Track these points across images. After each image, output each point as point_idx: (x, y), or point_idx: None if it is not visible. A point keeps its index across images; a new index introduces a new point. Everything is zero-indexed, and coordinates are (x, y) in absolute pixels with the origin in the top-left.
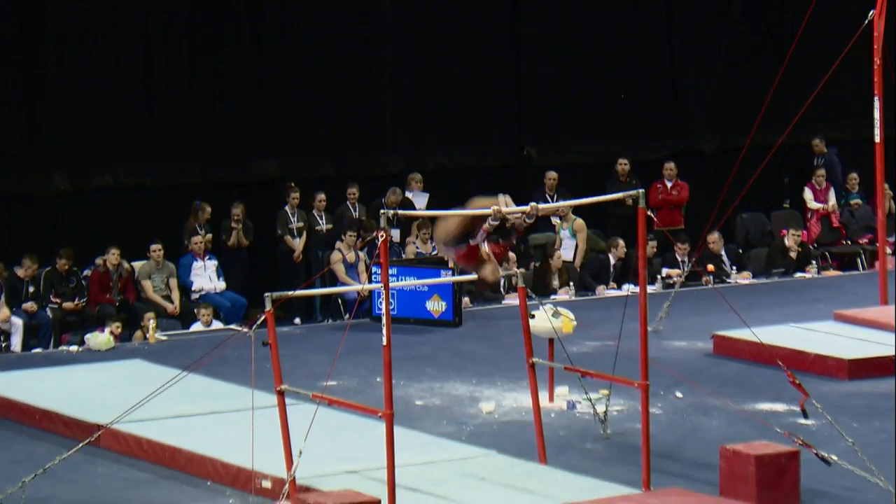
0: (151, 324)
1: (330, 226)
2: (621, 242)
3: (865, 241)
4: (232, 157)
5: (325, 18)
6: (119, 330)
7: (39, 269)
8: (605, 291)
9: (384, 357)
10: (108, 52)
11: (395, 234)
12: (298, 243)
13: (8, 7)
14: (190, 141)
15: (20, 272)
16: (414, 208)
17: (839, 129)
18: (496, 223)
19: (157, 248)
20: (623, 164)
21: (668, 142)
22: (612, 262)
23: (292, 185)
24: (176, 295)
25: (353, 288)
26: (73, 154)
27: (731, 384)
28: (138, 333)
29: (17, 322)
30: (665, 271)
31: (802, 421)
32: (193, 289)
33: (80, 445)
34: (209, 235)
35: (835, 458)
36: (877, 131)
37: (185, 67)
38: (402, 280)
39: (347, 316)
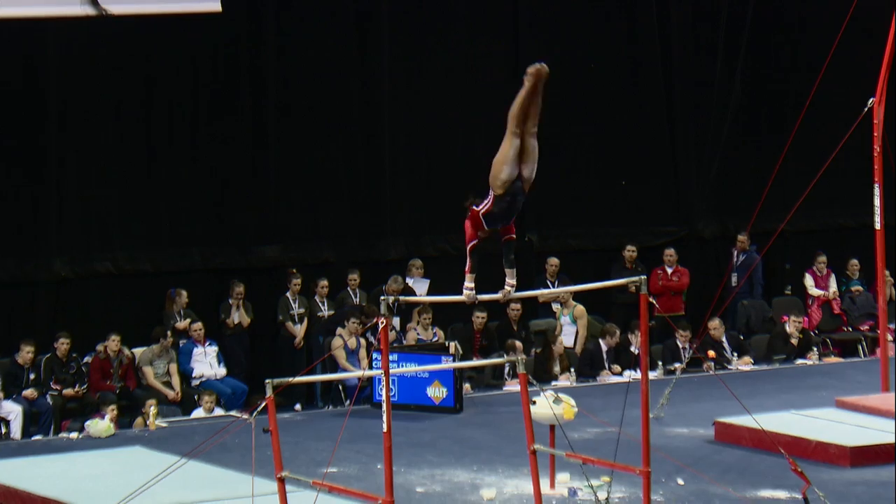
0: (152, 410)
1: (331, 312)
2: (617, 330)
3: (866, 327)
4: (233, 243)
5: (326, 105)
6: (115, 413)
7: (39, 356)
8: (606, 378)
9: (384, 443)
10: (109, 139)
11: (396, 321)
12: (300, 329)
13: (9, 92)
14: (191, 227)
15: (19, 358)
16: (415, 295)
17: (839, 216)
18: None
19: (170, 335)
20: (630, 251)
21: (668, 228)
22: (605, 349)
23: (294, 270)
24: (177, 381)
25: (353, 374)
26: (74, 240)
27: (733, 471)
28: (139, 420)
29: (17, 409)
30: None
31: None
32: (194, 375)
33: None
34: (199, 323)
35: None
36: (877, 218)
37: (186, 153)
38: (402, 366)
39: (348, 402)
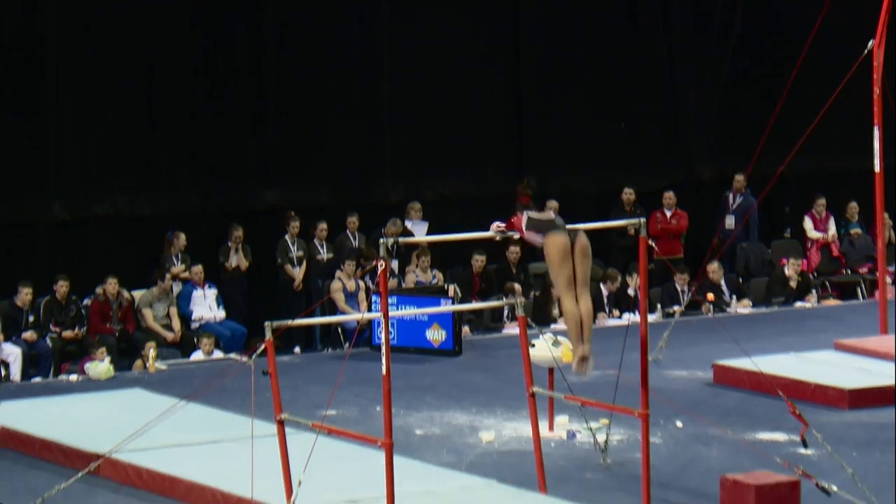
0: (152, 353)
1: (330, 255)
2: (618, 276)
3: (865, 270)
4: (232, 186)
5: (325, 47)
6: (103, 356)
7: (38, 298)
8: (605, 320)
9: (384, 386)
10: (108, 81)
11: (395, 263)
12: (298, 272)
13: (8, 35)
14: (190, 170)
15: (18, 301)
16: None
17: (839, 159)
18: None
19: (168, 278)
20: (629, 194)
21: (667, 171)
22: (606, 293)
23: (292, 213)
24: (176, 324)
25: (352, 317)
26: (73, 182)
27: (732, 414)
28: (138, 362)
29: (17, 351)
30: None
31: (803, 451)
32: (193, 318)
33: (79, 475)
34: (199, 266)
35: (835, 488)
36: (876, 161)
37: (185, 96)
38: (401, 309)
39: (347, 345)
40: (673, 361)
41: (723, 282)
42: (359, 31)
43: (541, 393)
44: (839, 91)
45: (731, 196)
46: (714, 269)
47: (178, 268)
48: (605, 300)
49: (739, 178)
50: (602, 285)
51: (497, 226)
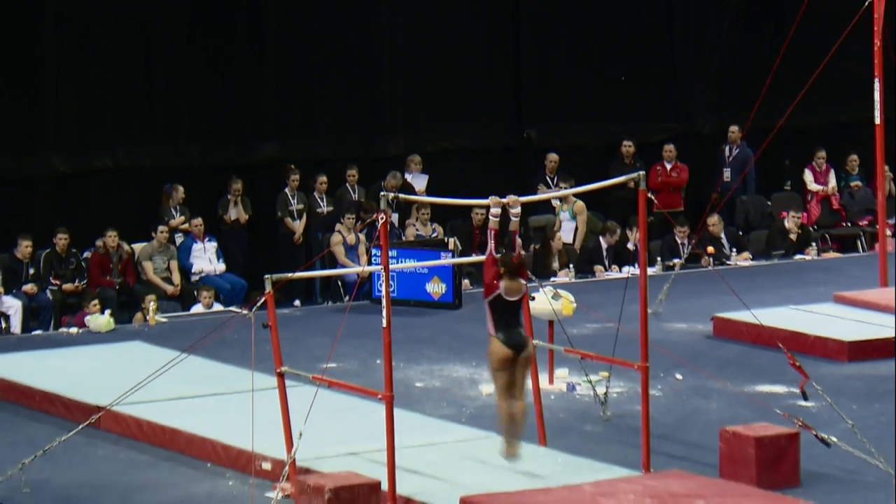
0: (152, 306)
1: (330, 208)
2: (617, 229)
3: (865, 223)
4: (231, 139)
5: (325, 1)
6: (96, 308)
7: (38, 251)
8: (604, 274)
9: (384, 339)
10: (107, 34)
11: (395, 217)
12: (298, 225)
13: None
14: (189, 123)
15: (18, 253)
16: (413, 191)
17: (839, 111)
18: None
19: (163, 230)
20: (628, 147)
21: (668, 123)
22: (605, 246)
23: (292, 167)
24: (176, 277)
25: (352, 270)
26: (72, 136)
27: (731, 366)
28: (138, 315)
29: (17, 304)
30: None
31: (802, 403)
32: (193, 271)
33: (80, 427)
34: (199, 219)
35: (834, 439)
36: (877, 113)
37: (184, 49)
38: (401, 262)
39: (347, 298)
40: (673, 314)
41: (723, 235)
42: None
43: (541, 346)
44: (839, 43)
45: (727, 148)
46: (714, 221)
47: (177, 220)
48: (605, 253)
49: (734, 130)
50: (601, 238)
51: (495, 199)
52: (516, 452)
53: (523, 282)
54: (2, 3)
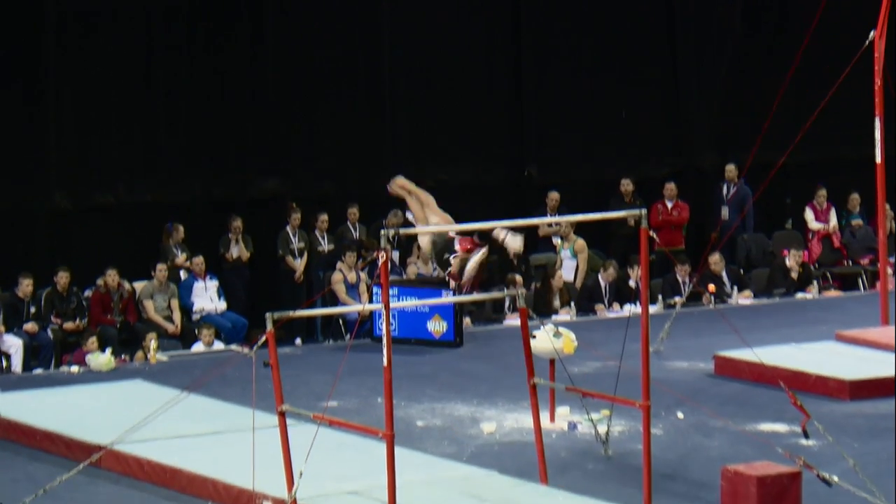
0: (153, 344)
1: (331, 246)
2: (612, 266)
3: (866, 261)
4: (233, 177)
5: (327, 37)
6: (95, 346)
7: (40, 290)
8: (605, 312)
9: (385, 377)
10: (108, 70)
11: (396, 255)
12: (299, 264)
13: (7, 24)
14: (191, 159)
15: (19, 292)
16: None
17: (840, 149)
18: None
19: (162, 268)
20: (626, 185)
21: (669, 160)
22: (604, 284)
23: (293, 205)
24: (177, 315)
25: (353, 308)
26: (74, 172)
27: (733, 404)
28: (139, 354)
29: (18, 342)
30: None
31: (804, 441)
32: (194, 309)
33: (81, 466)
34: (200, 257)
35: (836, 478)
36: (878, 151)
37: (186, 85)
38: (402, 300)
39: (348, 336)
40: (674, 352)
41: (724, 273)
42: (359, 21)
43: (542, 384)
44: (840, 81)
45: (725, 186)
46: (715, 260)
47: (180, 258)
48: (604, 291)
49: (731, 168)
50: (599, 276)
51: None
52: None
53: None
54: (4, 39)
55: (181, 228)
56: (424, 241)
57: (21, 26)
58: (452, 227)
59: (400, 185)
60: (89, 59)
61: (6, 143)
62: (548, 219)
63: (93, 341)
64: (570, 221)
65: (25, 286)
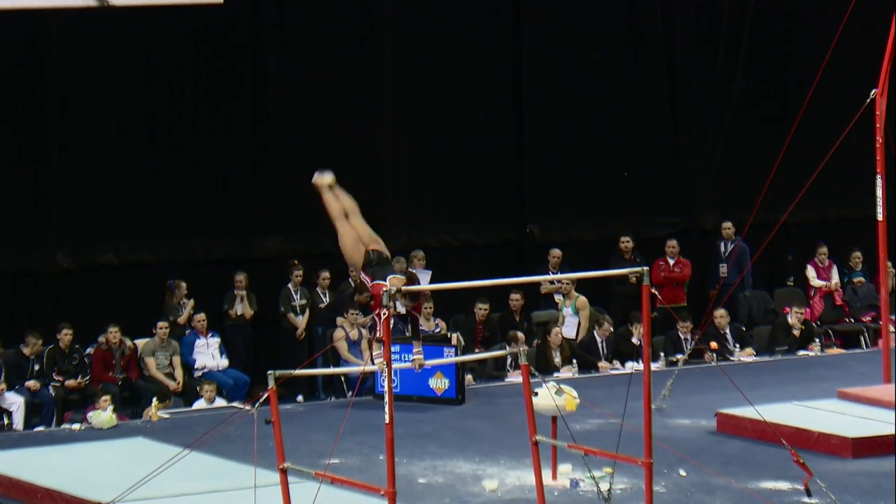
0: (154, 401)
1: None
2: (607, 321)
3: (868, 318)
4: (234, 234)
5: (328, 96)
6: (106, 404)
7: (42, 347)
8: (608, 370)
9: (387, 435)
10: (111, 130)
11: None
12: (301, 321)
13: (10, 81)
14: (192, 218)
15: (25, 350)
16: (418, 285)
17: (842, 207)
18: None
19: (163, 326)
20: (626, 242)
21: (671, 219)
22: (599, 340)
23: (295, 262)
24: (179, 373)
25: (356, 370)
26: (76, 231)
27: (735, 462)
28: (147, 411)
29: (19, 400)
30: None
31: (807, 500)
32: (196, 367)
33: None
34: (202, 314)
35: None
36: (879, 209)
37: (187, 144)
38: (404, 358)
39: (350, 394)
40: (676, 410)
41: (728, 329)
42: (360, 80)
43: (544, 441)
44: (842, 140)
45: (722, 244)
46: (721, 314)
47: (184, 315)
48: (601, 347)
49: (728, 226)
50: (595, 332)
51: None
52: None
53: None
54: (7, 97)
55: (183, 286)
56: (348, 246)
57: (24, 85)
58: (454, 286)
59: (328, 182)
60: (92, 118)
61: (9, 202)
62: (549, 276)
63: (106, 399)
64: (571, 279)
65: (32, 344)
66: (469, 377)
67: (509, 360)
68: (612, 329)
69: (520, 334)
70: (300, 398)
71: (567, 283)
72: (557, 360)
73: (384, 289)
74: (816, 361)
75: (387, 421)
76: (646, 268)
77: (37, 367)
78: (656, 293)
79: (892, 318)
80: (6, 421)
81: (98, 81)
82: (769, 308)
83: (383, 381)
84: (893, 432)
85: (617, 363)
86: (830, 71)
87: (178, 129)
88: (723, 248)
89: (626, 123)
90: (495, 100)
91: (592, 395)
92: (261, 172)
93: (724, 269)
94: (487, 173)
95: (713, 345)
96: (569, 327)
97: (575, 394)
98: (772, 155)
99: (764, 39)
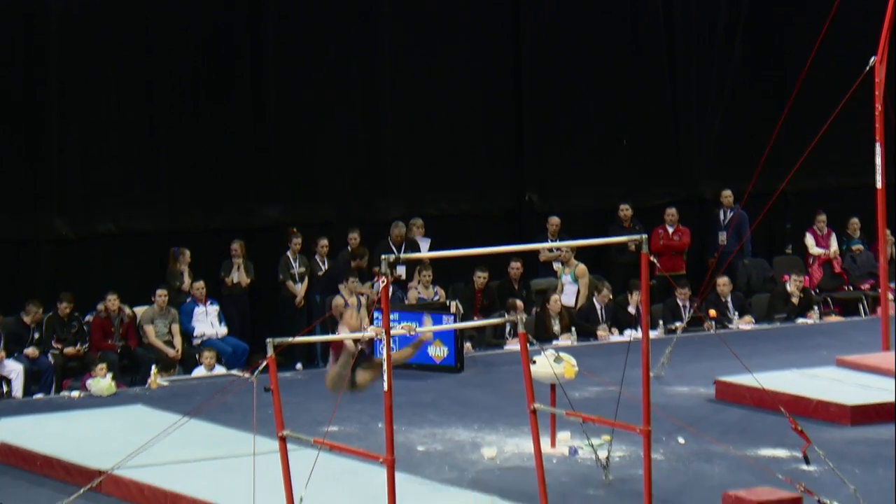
0: (153, 369)
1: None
2: (606, 287)
3: (867, 286)
4: (234, 203)
5: (327, 65)
6: (104, 372)
7: (42, 315)
8: (607, 337)
9: (385, 403)
10: (110, 98)
11: (402, 270)
12: (300, 289)
13: (10, 50)
14: (192, 186)
15: (26, 318)
16: (418, 252)
17: (840, 175)
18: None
19: (162, 294)
20: (625, 210)
21: (669, 188)
22: (599, 307)
23: (294, 230)
24: (178, 340)
25: (354, 336)
26: (75, 199)
27: (733, 430)
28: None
29: (18, 368)
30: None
31: (805, 467)
32: (195, 334)
33: (81, 491)
34: (201, 282)
35: None
36: (878, 177)
37: (187, 113)
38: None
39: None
40: (675, 378)
41: (729, 297)
42: (360, 47)
43: (542, 409)
44: (841, 107)
45: (721, 212)
46: (724, 282)
47: (186, 283)
48: (600, 314)
49: (727, 194)
50: (594, 298)
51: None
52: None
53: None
54: (6, 68)
55: (187, 253)
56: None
57: (25, 56)
58: (453, 254)
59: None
60: (92, 87)
61: (8, 171)
62: (549, 244)
63: (102, 367)
64: (570, 247)
65: (33, 313)
66: (468, 345)
67: (508, 328)
68: (611, 296)
69: (519, 302)
70: (299, 366)
71: (566, 252)
72: (556, 328)
73: (382, 257)
74: (815, 329)
75: (385, 389)
76: (644, 236)
77: (36, 335)
78: (655, 261)
79: (891, 285)
80: (5, 388)
81: (98, 50)
82: (768, 276)
83: (382, 349)
84: (891, 400)
85: (616, 331)
86: (829, 38)
87: (177, 97)
88: (722, 217)
89: (625, 92)
90: (494, 68)
91: (591, 363)
92: (260, 141)
93: (723, 237)
94: (486, 142)
95: (712, 313)
96: (568, 295)
97: (573, 362)
98: (771, 123)
99: (763, 7)
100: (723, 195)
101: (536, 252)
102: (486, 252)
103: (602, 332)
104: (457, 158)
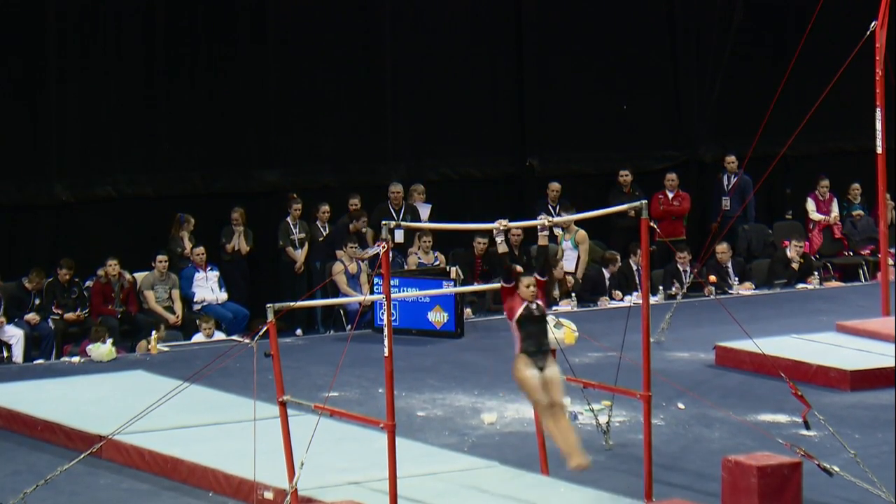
0: (154, 334)
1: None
2: (617, 258)
3: (867, 252)
4: (234, 168)
5: (327, 29)
6: (104, 338)
7: (42, 281)
8: (608, 303)
9: (386, 368)
10: (109, 63)
11: (399, 234)
12: (300, 254)
13: (9, 18)
14: (191, 151)
15: (28, 284)
16: (418, 219)
17: (840, 140)
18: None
19: (162, 259)
20: (625, 176)
21: (670, 152)
22: (608, 276)
23: (294, 195)
24: (178, 306)
25: (354, 299)
26: (75, 164)
27: (733, 395)
28: (142, 344)
29: (19, 333)
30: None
31: (804, 432)
32: (195, 300)
33: (82, 456)
34: (201, 248)
35: (837, 469)
36: (878, 142)
37: (186, 78)
38: (403, 291)
39: (349, 327)
40: (675, 343)
41: (730, 263)
42: (361, 13)
43: None
44: (841, 72)
45: (725, 177)
46: (723, 249)
47: (188, 249)
48: (607, 283)
49: (731, 159)
50: (604, 269)
51: (501, 223)
52: (584, 460)
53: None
54: (5, 32)
55: (192, 221)
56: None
57: (23, 20)
58: (454, 227)
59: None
60: (91, 51)
61: (7, 135)
62: (547, 220)
63: (98, 331)
64: (569, 221)
65: (35, 279)
66: (468, 311)
67: None
68: (619, 266)
69: (518, 268)
70: (299, 331)
71: (566, 215)
72: (556, 293)
73: (383, 223)
74: (815, 294)
75: (386, 354)
76: (644, 201)
77: (37, 301)
78: (655, 226)
79: (891, 251)
80: (6, 354)
81: (97, 14)
82: (768, 241)
83: (382, 314)
84: (891, 365)
85: (617, 294)
86: (830, 3)
87: (177, 61)
88: (726, 181)
89: (625, 56)
90: (496, 33)
91: (591, 329)
92: (260, 105)
93: (726, 202)
94: (488, 107)
95: (712, 278)
96: (568, 261)
97: (574, 327)
98: (771, 88)
99: None
100: (726, 160)
101: (536, 217)
102: (482, 228)
103: (602, 298)
104: (458, 124)
